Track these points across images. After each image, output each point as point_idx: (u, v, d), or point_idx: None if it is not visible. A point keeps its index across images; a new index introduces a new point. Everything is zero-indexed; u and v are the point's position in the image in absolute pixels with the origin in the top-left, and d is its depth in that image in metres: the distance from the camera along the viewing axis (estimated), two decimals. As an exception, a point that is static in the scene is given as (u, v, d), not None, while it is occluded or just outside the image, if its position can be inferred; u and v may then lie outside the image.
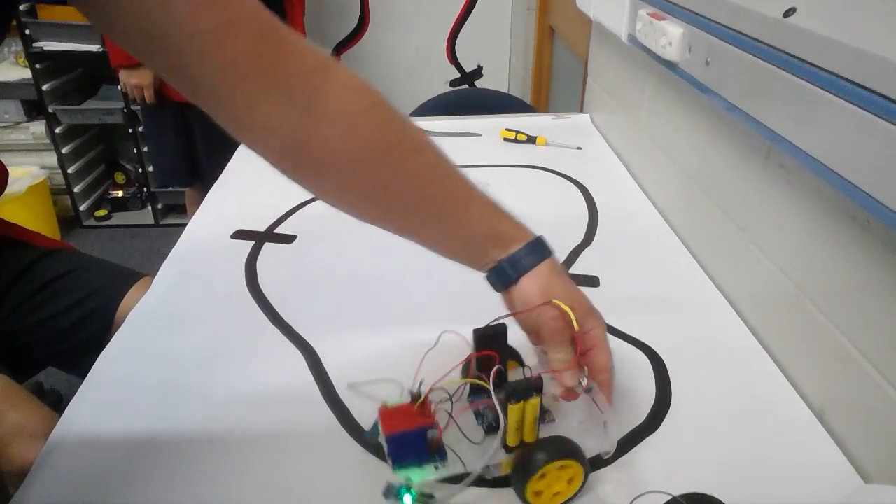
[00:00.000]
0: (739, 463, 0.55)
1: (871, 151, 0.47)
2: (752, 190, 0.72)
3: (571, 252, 0.87)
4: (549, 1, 2.15)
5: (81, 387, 0.64)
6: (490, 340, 0.52)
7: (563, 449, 0.48)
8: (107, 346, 0.69)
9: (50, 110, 2.37)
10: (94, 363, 0.67)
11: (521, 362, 0.59)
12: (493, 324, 0.53)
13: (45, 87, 2.33)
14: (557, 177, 1.10)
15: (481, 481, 0.52)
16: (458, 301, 0.76)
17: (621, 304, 0.76)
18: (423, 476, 0.48)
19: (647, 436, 0.58)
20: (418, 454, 0.48)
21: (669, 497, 0.49)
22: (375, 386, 0.55)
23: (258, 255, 0.87)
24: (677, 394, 0.63)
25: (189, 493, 0.52)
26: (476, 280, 0.84)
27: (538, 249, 0.56)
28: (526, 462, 0.48)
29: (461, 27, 2.54)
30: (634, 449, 0.56)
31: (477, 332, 0.52)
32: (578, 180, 1.08)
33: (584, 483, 0.50)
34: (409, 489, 0.48)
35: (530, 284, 0.55)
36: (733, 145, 0.76)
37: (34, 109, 2.45)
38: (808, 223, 0.62)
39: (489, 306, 0.77)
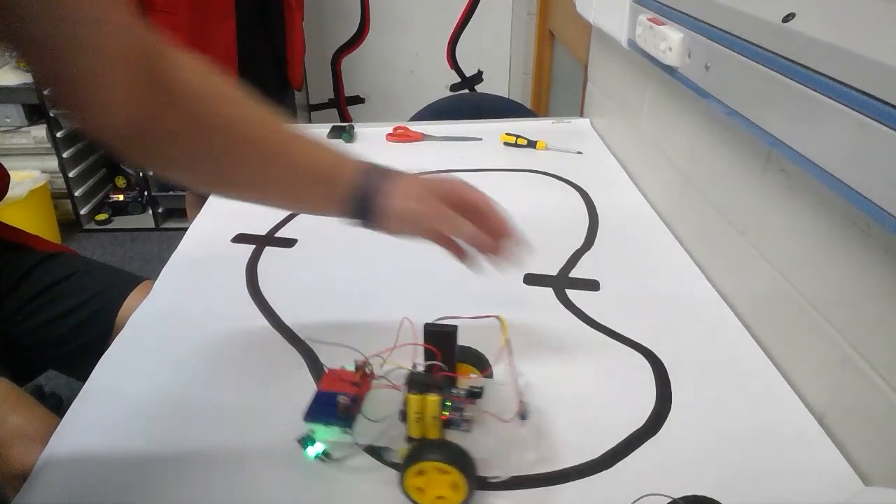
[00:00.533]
0: (740, 466, 0.55)
1: (872, 156, 0.47)
2: (753, 194, 0.72)
3: (572, 256, 0.87)
4: (549, 5, 2.15)
5: (82, 390, 0.64)
6: (434, 337, 0.53)
7: (448, 454, 0.48)
8: (108, 350, 0.69)
9: (51, 114, 2.37)
10: (94, 366, 0.67)
11: (483, 372, 0.58)
12: (444, 322, 0.53)
13: (46, 91, 2.33)
14: (557, 181, 1.10)
15: (383, 462, 0.54)
16: (460, 303, 0.76)
17: (622, 308, 0.76)
18: (324, 434, 0.53)
19: (648, 439, 0.58)
20: (328, 414, 0.52)
21: (669, 500, 0.49)
22: (337, 349, 0.57)
23: (259, 258, 0.87)
24: (677, 397, 0.63)
25: (189, 497, 0.52)
26: (480, 283, 0.84)
27: (377, 169, 0.59)
28: (410, 453, 0.49)
29: (461, 32, 2.55)
30: (635, 452, 0.56)
31: (426, 326, 0.53)
32: (578, 184, 1.08)
33: (468, 497, 0.49)
34: (313, 441, 0.54)
35: (394, 201, 0.58)
36: (733, 150, 0.76)
37: (35, 113, 2.46)
38: (809, 228, 0.62)
39: (491, 310, 0.77)
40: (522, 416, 0.51)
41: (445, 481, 0.49)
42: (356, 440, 0.52)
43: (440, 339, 0.53)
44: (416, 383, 0.49)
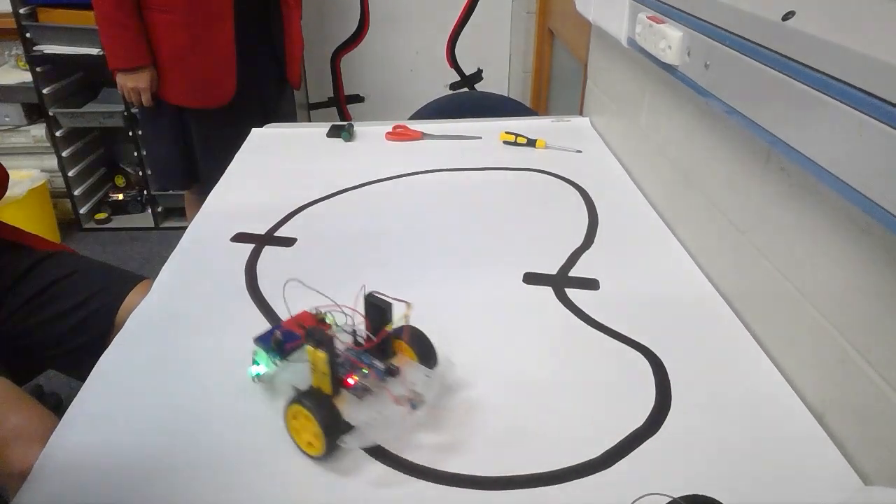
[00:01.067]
0: (740, 465, 0.55)
1: (871, 155, 0.47)
2: (752, 193, 0.72)
3: (571, 255, 0.87)
4: (548, 4, 2.15)
5: (81, 390, 0.64)
6: (370, 306, 0.59)
7: (320, 407, 0.53)
8: (107, 350, 0.69)
9: (50, 113, 2.37)
10: (94, 366, 0.67)
11: (419, 356, 0.61)
12: (381, 296, 0.58)
13: (45, 91, 2.33)
14: (557, 180, 1.10)
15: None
16: (458, 304, 0.76)
17: (621, 307, 0.76)
18: (260, 358, 0.61)
19: (648, 438, 0.58)
20: (268, 343, 0.61)
21: (670, 499, 0.49)
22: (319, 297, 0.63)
23: (258, 257, 0.87)
24: (677, 396, 0.63)
25: (189, 495, 0.52)
26: (479, 282, 0.84)
27: None
28: (293, 395, 0.55)
29: (461, 30, 2.55)
30: (635, 451, 0.56)
31: (366, 297, 0.59)
32: (578, 183, 1.08)
33: (325, 450, 0.53)
34: (259, 363, 0.62)
35: None
36: (733, 148, 0.76)
37: (35, 112, 2.45)
38: (809, 226, 0.62)
39: (488, 315, 0.77)
40: (413, 404, 0.55)
41: (310, 430, 0.54)
42: (269, 373, 0.61)
43: (374, 310, 0.58)
44: (313, 337, 0.54)
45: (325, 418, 0.53)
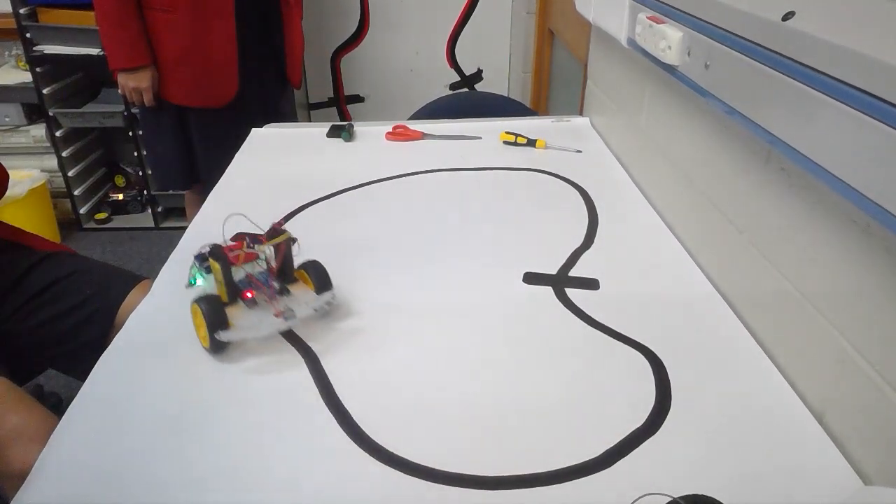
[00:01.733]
0: (739, 465, 0.55)
1: (871, 155, 0.47)
2: (753, 193, 0.72)
3: (571, 255, 0.87)
4: (548, 4, 2.15)
5: (81, 389, 0.64)
6: (270, 234, 0.72)
7: (208, 307, 0.66)
8: (107, 349, 0.69)
9: (50, 113, 2.37)
10: (94, 366, 0.67)
11: (315, 286, 0.72)
12: (282, 228, 0.72)
13: (45, 91, 2.33)
14: (557, 180, 1.10)
15: None
16: (456, 304, 0.76)
17: (621, 307, 0.76)
18: (192, 271, 0.73)
19: (647, 438, 0.58)
20: (199, 259, 0.72)
21: (670, 499, 0.49)
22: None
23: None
24: (677, 396, 0.63)
25: (188, 495, 0.52)
26: (479, 282, 0.84)
27: None
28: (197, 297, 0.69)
29: (461, 30, 2.55)
30: (634, 451, 0.56)
31: (269, 231, 0.72)
32: (578, 183, 1.08)
33: (208, 343, 0.66)
34: (196, 276, 0.73)
35: None
36: (733, 148, 0.76)
37: (35, 113, 2.45)
38: (809, 226, 0.62)
39: (488, 315, 0.77)
40: (285, 317, 0.67)
41: (203, 325, 0.66)
42: (191, 284, 0.73)
43: (274, 235, 0.72)
44: (213, 253, 0.68)
45: (210, 318, 0.65)
